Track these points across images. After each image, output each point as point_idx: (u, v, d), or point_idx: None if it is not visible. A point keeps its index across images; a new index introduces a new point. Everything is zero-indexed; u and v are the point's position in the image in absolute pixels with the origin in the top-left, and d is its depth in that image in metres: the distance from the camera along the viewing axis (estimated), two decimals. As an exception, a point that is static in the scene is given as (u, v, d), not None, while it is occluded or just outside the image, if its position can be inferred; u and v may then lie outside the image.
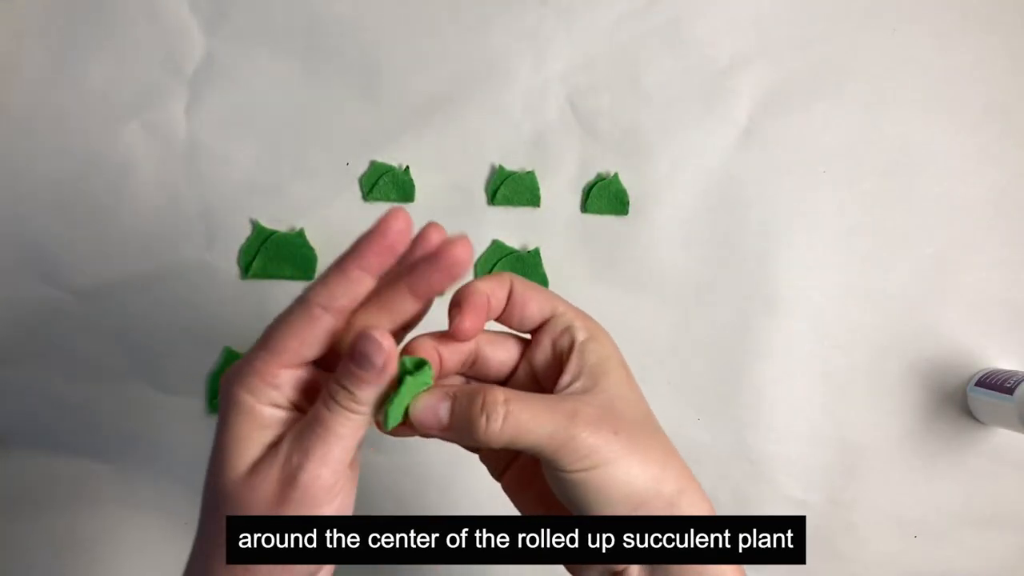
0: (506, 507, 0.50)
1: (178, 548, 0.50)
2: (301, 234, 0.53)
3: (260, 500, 0.28)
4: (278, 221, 0.53)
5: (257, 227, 0.52)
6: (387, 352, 0.28)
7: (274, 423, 0.29)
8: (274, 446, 0.29)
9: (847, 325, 0.53)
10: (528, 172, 0.53)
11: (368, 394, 0.28)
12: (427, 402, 0.30)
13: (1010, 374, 0.49)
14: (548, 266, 0.53)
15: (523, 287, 0.32)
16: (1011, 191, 0.54)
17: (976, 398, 0.51)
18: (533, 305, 0.32)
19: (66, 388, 0.52)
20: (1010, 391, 0.48)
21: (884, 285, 0.53)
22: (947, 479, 0.53)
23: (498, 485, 0.53)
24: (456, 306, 0.31)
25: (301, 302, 0.30)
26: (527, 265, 0.53)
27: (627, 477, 0.28)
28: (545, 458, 0.28)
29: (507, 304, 0.32)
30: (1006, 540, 0.52)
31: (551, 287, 0.53)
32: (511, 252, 0.53)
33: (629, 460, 0.29)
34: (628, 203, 0.53)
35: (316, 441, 0.28)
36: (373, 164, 0.53)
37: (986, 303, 0.53)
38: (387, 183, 0.53)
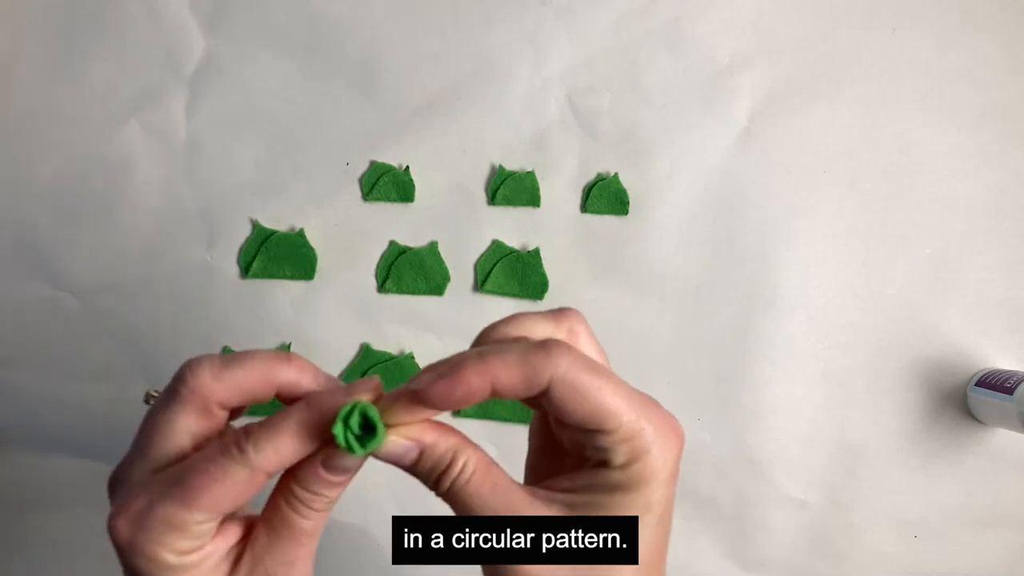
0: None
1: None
2: (301, 234, 0.53)
3: None
4: (278, 221, 0.53)
5: (257, 227, 0.53)
6: (363, 458, 0.25)
7: (200, 562, 0.25)
8: (236, 564, 0.26)
9: (847, 325, 0.53)
10: (528, 172, 0.53)
11: (339, 493, 0.26)
12: (394, 448, 0.26)
13: (1010, 374, 0.49)
14: (548, 266, 0.53)
15: (570, 386, 0.24)
16: (1011, 191, 0.54)
17: (976, 398, 0.51)
18: (573, 416, 0.24)
19: (66, 388, 0.52)
20: (1010, 391, 0.48)
21: (884, 285, 0.53)
22: (947, 479, 0.53)
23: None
24: (437, 372, 0.26)
25: (239, 460, 0.24)
26: (527, 265, 0.53)
27: None
28: None
29: (541, 395, 0.24)
30: (1006, 540, 0.52)
31: (551, 287, 0.53)
32: (511, 252, 0.53)
33: None
34: (628, 203, 0.53)
35: (300, 548, 0.26)
36: (373, 164, 0.53)
37: (986, 303, 0.53)
38: (387, 183, 0.53)
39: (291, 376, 0.26)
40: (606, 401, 0.24)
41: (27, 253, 0.52)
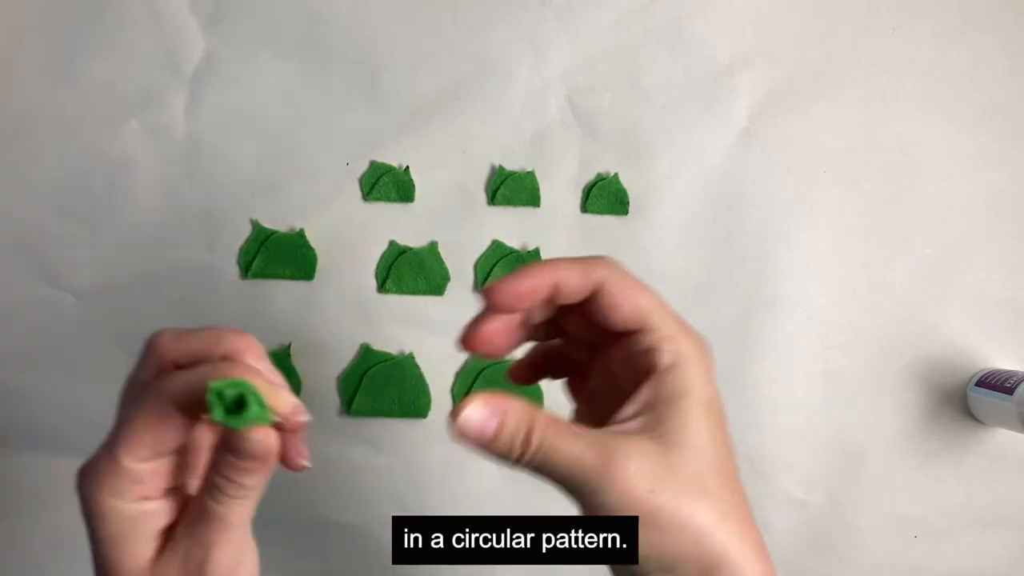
0: (506, 507, 0.50)
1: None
2: (301, 234, 0.53)
3: None
4: (278, 221, 0.53)
5: (257, 227, 0.53)
6: (269, 440, 0.27)
7: (150, 516, 0.28)
8: (166, 541, 0.28)
9: (847, 325, 0.53)
10: (528, 172, 0.53)
11: (257, 480, 0.28)
12: (477, 415, 0.26)
13: (1010, 374, 0.49)
14: (548, 266, 0.53)
15: (618, 284, 0.28)
16: (1011, 191, 0.54)
17: (976, 398, 0.51)
18: (619, 312, 0.28)
19: (66, 388, 0.52)
20: (1010, 391, 0.48)
21: (884, 285, 0.53)
22: (947, 479, 0.53)
23: (497, 485, 0.53)
24: (483, 301, 0.28)
25: (156, 394, 0.27)
26: (527, 265, 0.53)
27: (656, 542, 0.25)
28: (574, 498, 0.26)
29: (590, 300, 0.28)
30: (1006, 540, 0.52)
31: (551, 287, 0.53)
32: (511, 252, 0.53)
33: (661, 524, 0.25)
34: (628, 203, 0.53)
35: (213, 533, 0.28)
36: (373, 164, 0.53)
37: (986, 303, 0.53)
38: (387, 183, 0.53)
39: (236, 345, 0.28)
40: (650, 301, 0.28)
41: (27, 253, 0.52)
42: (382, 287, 0.53)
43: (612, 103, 0.54)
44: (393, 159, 0.53)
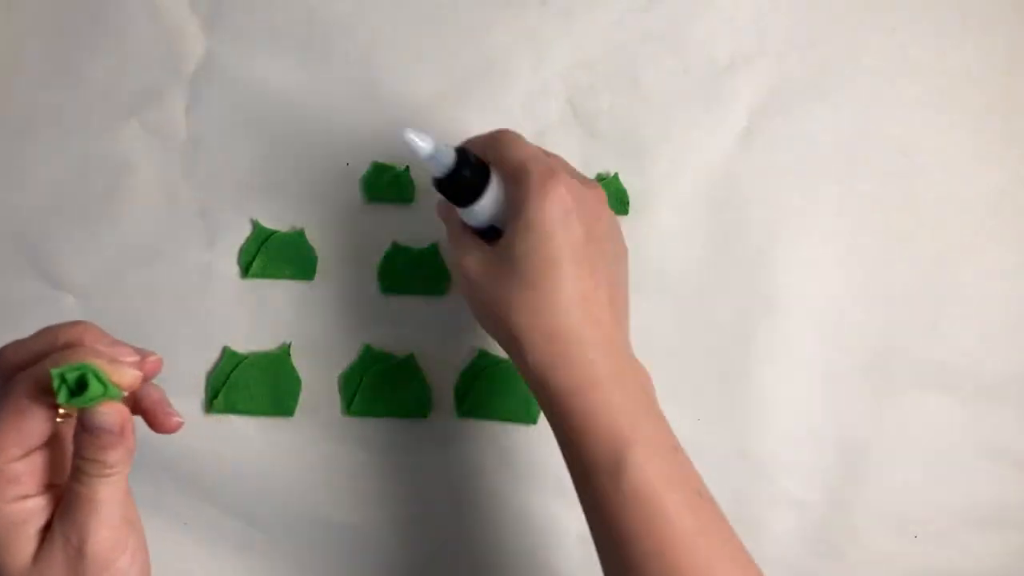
0: (506, 506, 0.50)
1: (175, 547, 0.50)
2: (301, 234, 0.53)
3: None
4: (278, 221, 0.53)
5: (257, 227, 0.53)
6: (120, 414, 0.29)
7: (30, 515, 0.29)
8: (45, 532, 0.29)
9: (847, 325, 0.53)
10: (528, 172, 0.53)
11: (116, 456, 0.29)
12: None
13: (1010, 374, 0.49)
14: (548, 266, 0.53)
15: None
16: (1011, 191, 0.54)
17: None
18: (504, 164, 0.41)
19: (66, 388, 0.52)
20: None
21: (884, 285, 0.53)
22: (947, 479, 0.53)
23: (497, 485, 0.53)
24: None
25: (11, 394, 0.29)
26: (527, 265, 0.53)
27: (477, 315, 0.41)
28: None
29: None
30: (1006, 540, 0.52)
31: (551, 287, 0.53)
32: (511, 252, 0.53)
33: (476, 301, 0.41)
34: (628, 203, 0.53)
35: (85, 515, 0.29)
36: (373, 164, 0.53)
37: (986, 303, 0.53)
38: (387, 183, 0.53)
39: (72, 334, 0.30)
40: (524, 153, 0.39)
41: (27, 253, 0.52)
42: (383, 287, 0.53)
43: (612, 103, 0.54)
44: (393, 159, 0.53)
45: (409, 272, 0.52)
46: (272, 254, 0.52)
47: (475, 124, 0.53)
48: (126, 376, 0.30)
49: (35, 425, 0.29)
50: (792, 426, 0.53)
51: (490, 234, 0.41)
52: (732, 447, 0.52)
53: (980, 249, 0.53)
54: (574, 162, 0.53)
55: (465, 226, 0.42)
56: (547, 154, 0.41)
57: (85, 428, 0.28)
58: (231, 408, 0.51)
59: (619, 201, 0.53)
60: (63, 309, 0.52)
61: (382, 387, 0.52)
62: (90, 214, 0.52)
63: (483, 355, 0.52)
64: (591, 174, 0.54)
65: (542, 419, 0.50)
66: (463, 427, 0.52)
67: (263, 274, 0.52)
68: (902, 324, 0.53)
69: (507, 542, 0.51)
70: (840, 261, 0.53)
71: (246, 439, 0.51)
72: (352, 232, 0.53)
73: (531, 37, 0.54)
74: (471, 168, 0.39)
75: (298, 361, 0.52)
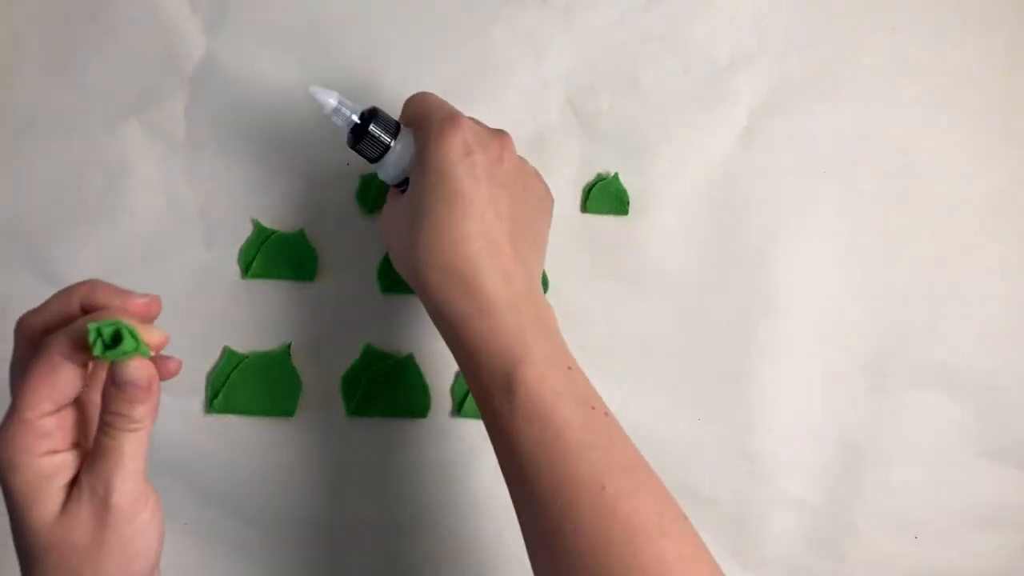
0: (506, 505, 0.50)
1: (176, 547, 0.50)
2: (301, 234, 0.53)
3: (80, 534, 0.31)
4: (278, 221, 0.53)
5: (257, 227, 0.53)
6: (148, 369, 0.31)
7: (55, 469, 0.31)
8: (71, 488, 0.31)
9: (847, 325, 0.53)
10: (528, 172, 0.53)
11: (142, 412, 0.31)
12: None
13: (1010, 374, 0.49)
14: (548, 266, 0.53)
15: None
16: (1011, 191, 0.54)
17: (976, 398, 0.51)
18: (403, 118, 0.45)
19: (66, 388, 0.52)
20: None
21: (884, 285, 0.53)
22: (947, 479, 0.53)
23: (497, 484, 0.53)
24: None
25: (44, 352, 0.31)
26: (527, 265, 0.53)
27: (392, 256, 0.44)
28: None
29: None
30: (1006, 540, 0.52)
31: (551, 287, 0.53)
32: (511, 252, 0.53)
33: (390, 245, 0.43)
34: (628, 203, 0.53)
35: (111, 467, 0.31)
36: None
37: (986, 303, 0.53)
38: (377, 190, 0.53)
39: (84, 292, 0.33)
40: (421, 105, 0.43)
41: (26, 252, 0.52)
42: (383, 287, 0.53)
43: (612, 103, 0.54)
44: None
45: (409, 272, 0.52)
46: (272, 254, 0.52)
47: (475, 124, 0.53)
48: (154, 335, 0.32)
49: (66, 381, 0.31)
50: (792, 426, 0.53)
51: (404, 186, 0.43)
52: (732, 447, 0.52)
53: (980, 249, 0.53)
54: (574, 162, 0.54)
55: (392, 188, 0.44)
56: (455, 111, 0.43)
57: (115, 382, 0.31)
58: (231, 408, 0.51)
59: (619, 201, 0.53)
60: (63, 309, 0.52)
61: (382, 387, 0.52)
62: (90, 214, 0.52)
63: (483, 355, 0.52)
64: (591, 174, 0.54)
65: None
66: (463, 427, 0.52)
67: (263, 274, 0.52)
68: (902, 324, 0.53)
69: (507, 542, 0.51)
70: (840, 261, 0.53)
71: (246, 439, 0.51)
72: (352, 232, 0.53)
73: (531, 37, 0.54)
74: (378, 123, 0.42)
75: (298, 361, 0.52)
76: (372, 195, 0.52)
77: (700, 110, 0.54)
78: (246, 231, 0.53)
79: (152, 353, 0.32)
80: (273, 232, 0.52)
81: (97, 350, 0.29)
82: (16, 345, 0.34)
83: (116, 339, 0.30)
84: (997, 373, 0.53)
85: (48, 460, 0.31)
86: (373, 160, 0.43)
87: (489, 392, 0.37)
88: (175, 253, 0.53)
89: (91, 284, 0.33)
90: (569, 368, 0.38)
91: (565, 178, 0.54)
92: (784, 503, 0.52)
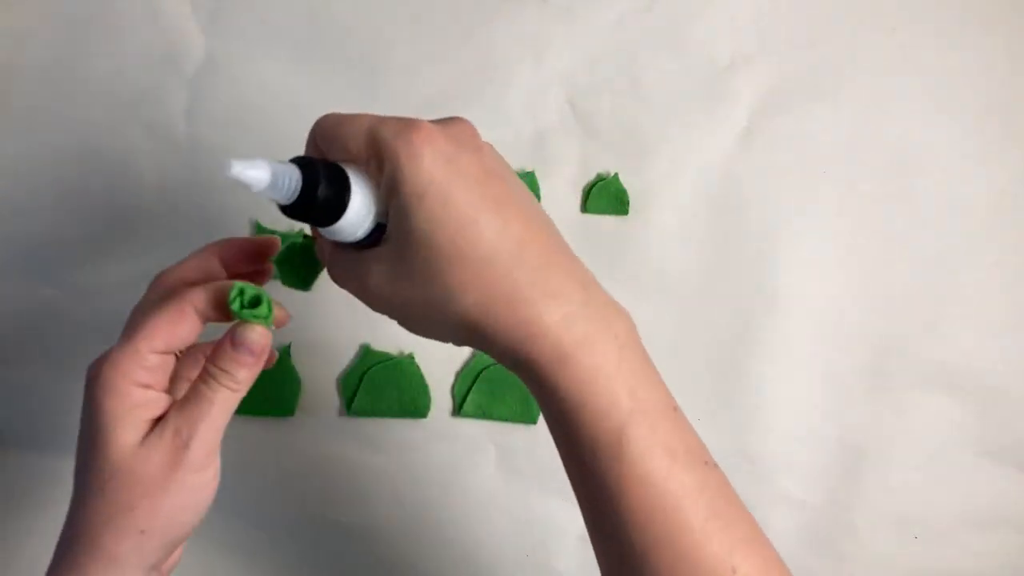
0: (505, 506, 0.50)
1: (178, 548, 0.50)
2: (301, 234, 0.53)
3: (151, 468, 0.31)
4: (278, 221, 0.53)
5: (257, 227, 0.52)
6: (266, 339, 0.33)
7: (146, 402, 0.32)
8: (157, 422, 0.32)
9: (847, 325, 0.53)
10: (528, 172, 0.53)
11: (245, 375, 0.32)
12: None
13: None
14: (548, 266, 0.53)
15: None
16: (1011, 191, 0.54)
17: (976, 398, 0.51)
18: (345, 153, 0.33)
19: (66, 387, 0.52)
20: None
21: (884, 285, 0.53)
22: (947, 479, 0.53)
23: (497, 485, 0.53)
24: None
25: (178, 298, 0.33)
26: (527, 265, 0.53)
27: (419, 329, 0.33)
28: None
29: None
30: (1006, 540, 0.52)
31: (551, 287, 0.52)
32: (511, 252, 0.53)
33: (415, 316, 0.32)
34: (628, 203, 0.53)
35: (202, 414, 0.32)
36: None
37: (986, 303, 0.53)
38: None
39: (215, 251, 0.37)
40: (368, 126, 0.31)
41: (27, 253, 0.52)
42: (382, 287, 0.52)
43: (612, 103, 0.54)
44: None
45: (409, 272, 0.52)
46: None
47: (475, 124, 0.53)
48: (282, 312, 0.35)
49: (186, 330, 0.33)
50: (792, 426, 0.53)
51: (373, 236, 0.32)
52: (732, 447, 0.52)
53: (980, 249, 0.53)
54: (574, 162, 0.54)
55: (342, 246, 0.33)
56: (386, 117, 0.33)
57: (233, 342, 0.32)
58: (231, 408, 0.51)
59: (619, 201, 0.53)
60: (62, 308, 0.52)
61: (382, 387, 0.52)
62: (90, 214, 0.52)
63: (482, 355, 0.52)
64: (591, 174, 0.54)
65: (541, 419, 0.50)
66: (462, 427, 0.52)
67: (263, 274, 0.52)
68: (902, 324, 0.53)
69: (507, 542, 0.51)
70: (840, 261, 0.53)
71: (246, 439, 0.51)
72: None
73: (531, 37, 0.54)
74: (323, 174, 0.30)
75: (298, 361, 0.52)
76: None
77: (700, 110, 0.54)
78: (246, 231, 0.53)
79: (274, 328, 0.34)
80: (273, 232, 0.52)
81: (235, 305, 0.32)
82: (149, 291, 0.35)
83: (253, 304, 0.32)
84: (997, 373, 0.53)
85: (141, 392, 0.32)
86: (326, 224, 0.32)
87: (590, 450, 0.30)
88: (175, 254, 0.52)
89: (220, 245, 0.36)
90: (674, 409, 0.33)
91: (565, 178, 0.54)
92: (784, 503, 0.52)
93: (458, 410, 0.52)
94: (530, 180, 0.53)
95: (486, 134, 0.53)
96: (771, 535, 0.52)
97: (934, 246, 0.53)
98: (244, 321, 0.32)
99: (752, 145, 0.54)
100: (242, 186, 0.29)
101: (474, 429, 0.52)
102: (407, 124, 0.30)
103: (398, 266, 0.31)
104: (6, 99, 0.52)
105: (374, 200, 0.31)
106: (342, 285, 0.34)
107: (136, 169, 0.53)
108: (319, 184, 0.30)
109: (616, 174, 0.53)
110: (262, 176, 0.29)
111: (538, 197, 0.53)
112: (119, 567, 0.31)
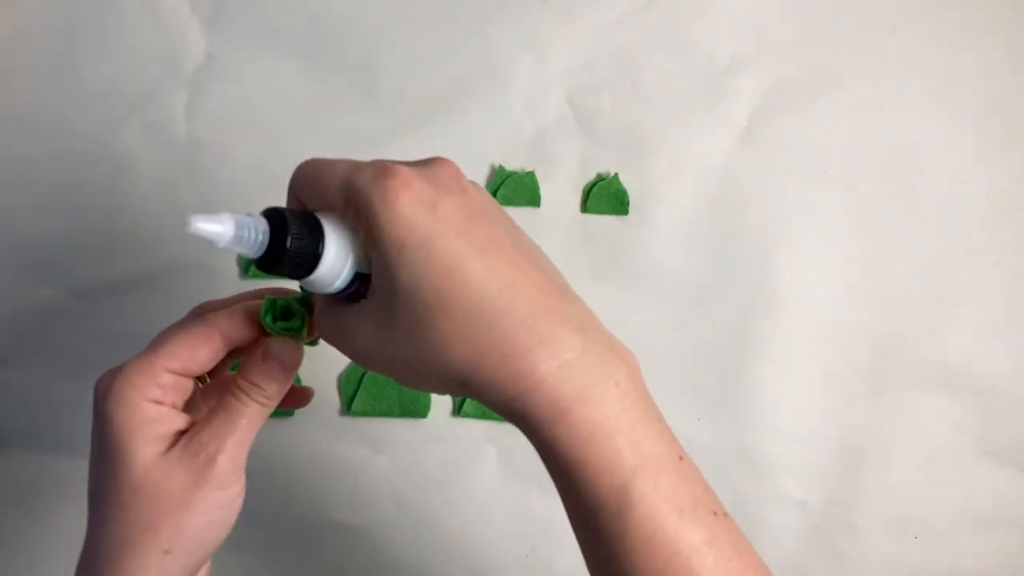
0: (506, 506, 0.50)
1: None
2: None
3: (175, 483, 0.30)
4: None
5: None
6: (297, 355, 0.32)
7: (159, 417, 0.31)
8: (177, 437, 0.31)
9: (847, 325, 0.53)
10: (528, 172, 0.53)
11: (276, 389, 0.32)
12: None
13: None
14: (548, 266, 0.53)
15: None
16: (1011, 191, 0.54)
17: (976, 398, 0.51)
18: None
19: (66, 388, 0.52)
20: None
21: (884, 285, 0.53)
22: (947, 479, 0.53)
23: (497, 485, 0.53)
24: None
25: (203, 321, 0.32)
26: (527, 265, 0.53)
27: (411, 382, 0.31)
28: None
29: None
30: (1006, 540, 0.52)
31: (551, 287, 0.52)
32: (511, 252, 0.53)
33: (408, 369, 0.29)
34: (628, 203, 0.53)
35: (231, 428, 0.31)
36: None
37: (986, 303, 0.53)
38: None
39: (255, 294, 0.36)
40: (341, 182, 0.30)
41: (27, 253, 0.52)
42: (382, 287, 0.53)
43: (612, 103, 0.54)
44: (393, 159, 0.53)
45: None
46: (272, 254, 0.52)
47: (475, 124, 0.53)
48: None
49: (205, 354, 0.32)
50: (792, 426, 0.53)
51: (355, 286, 0.31)
52: (732, 447, 0.52)
53: (980, 249, 0.53)
54: (574, 162, 0.54)
55: (331, 299, 0.32)
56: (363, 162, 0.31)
57: (264, 355, 0.32)
58: (231, 408, 0.51)
59: (619, 201, 0.53)
60: (62, 309, 0.52)
61: (382, 387, 0.52)
62: (90, 214, 0.52)
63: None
64: (591, 174, 0.54)
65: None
66: (462, 427, 0.52)
67: (263, 274, 0.52)
68: (902, 324, 0.53)
69: (507, 542, 0.51)
70: (840, 261, 0.53)
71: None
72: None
73: (531, 37, 0.54)
74: (293, 225, 0.29)
75: (298, 361, 0.52)
76: None
77: (700, 110, 0.54)
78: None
79: (306, 342, 0.34)
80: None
81: (268, 319, 0.32)
82: (187, 315, 0.35)
83: (285, 316, 0.32)
84: (997, 373, 0.53)
85: (154, 407, 0.31)
86: (301, 277, 0.30)
87: (590, 509, 0.29)
88: (175, 253, 0.53)
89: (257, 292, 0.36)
90: (680, 458, 0.31)
91: (565, 178, 0.54)
92: (784, 503, 0.52)
93: (458, 410, 0.52)
94: (530, 180, 0.53)
95: (486, 134, 0.54)
96: (771, 535, 0.52)
97: (934, 246, 0.53)
98: (282, 339, 0.32)
99: (752, 145, 0.54)
100: (205, 242, 0.27)
101: (474, 429, 0.52)
102: (382, 170, 0.29)
103: (384, 321, 0.29)
104: (6, 99, 0.52)
105: (353, 249, 0.30)
106: (331, 343, 0.32)
107: (136, 169, 0.52)
108: (287, 235, 0.28)
109: (616, 174, 0.53)
110: (224, 231, 0.27)
111: (538, 197, 0.53)
112: None
